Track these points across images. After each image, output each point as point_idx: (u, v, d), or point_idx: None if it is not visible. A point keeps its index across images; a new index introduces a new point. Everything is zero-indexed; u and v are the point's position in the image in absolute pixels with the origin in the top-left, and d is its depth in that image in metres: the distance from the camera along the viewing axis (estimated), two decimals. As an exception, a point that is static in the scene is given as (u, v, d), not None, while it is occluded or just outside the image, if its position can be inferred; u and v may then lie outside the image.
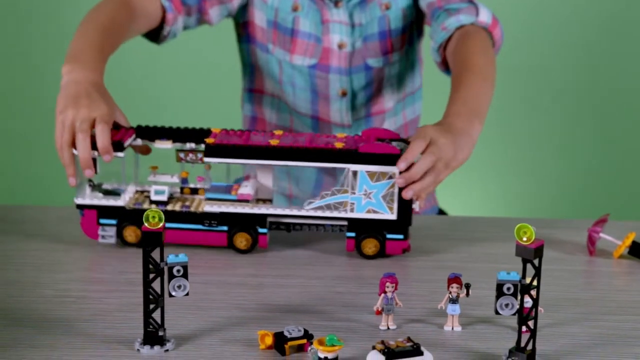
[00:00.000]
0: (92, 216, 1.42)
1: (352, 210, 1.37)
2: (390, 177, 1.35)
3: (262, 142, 1.37)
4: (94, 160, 1.36)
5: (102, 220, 1.42)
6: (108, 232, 1.42)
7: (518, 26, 3.05)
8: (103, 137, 1.34)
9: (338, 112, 1.75)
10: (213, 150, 1.37)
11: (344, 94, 1.73)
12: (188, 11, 1.68)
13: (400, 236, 1.39)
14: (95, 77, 1.42)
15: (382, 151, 1.35)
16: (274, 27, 1.71)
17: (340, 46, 1.70)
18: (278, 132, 1.42)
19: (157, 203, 1.41)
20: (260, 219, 1.39)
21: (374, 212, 1.38)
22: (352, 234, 1.39)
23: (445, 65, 1.66)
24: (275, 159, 1.36)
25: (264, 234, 1.39)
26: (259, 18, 1.73)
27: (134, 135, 1.41)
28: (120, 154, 1.36)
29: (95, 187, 1.43)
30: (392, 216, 1.37)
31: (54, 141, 1.38)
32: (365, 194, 1.37)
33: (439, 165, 1.35)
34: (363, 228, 1.39)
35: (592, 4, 3.06)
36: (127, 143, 1.38)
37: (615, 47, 3.07)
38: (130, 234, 1.41)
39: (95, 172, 1.37)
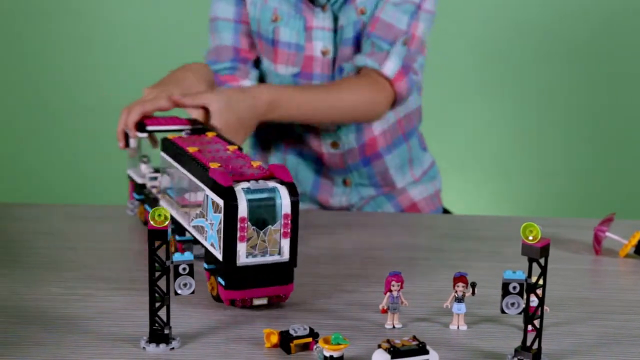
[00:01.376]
0: (132, 188, 1.55)
1: (205, 239, 1.20)
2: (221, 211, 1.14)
3: (185, 145, 1.30)
4: (126, 134, 1.52)
5: (134, 194, 1.53)
6: (133, 206, 1.56)
7: (521, 26, 3.05)
8: (130, 116, 1.48)
9: None
10: (165, 146, 1.35)
11: None
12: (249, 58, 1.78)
13: (222, 282, 1.17)
14: (200, 65, 1.67)
15: (217, 179, 1.14)
16: (259, 37, 1.73)
17: (324, 53, 1.70)
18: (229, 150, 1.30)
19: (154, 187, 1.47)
20: (180, 225, 1.32)
21: (213, 246, 1.18)
22: (206, 265, 1.21)
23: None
24: (179, 164, 1.29)
25: (178, 241, 1.33)
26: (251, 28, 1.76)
27: (181, 126, 1.47)
28: (140, 134, 1.49)
29: (149, 163, 1.53)
30: (220, 255, 1.16)
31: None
32: (211, 224, 1.18)
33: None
34: (210, 261, 1.20)
35: (595, 3, 3.05)
36: (155, 127, 1.48)
37: (619, 46, 3.07)
38: (140, 212, 1.53)
39: (127, 146, 1.52)
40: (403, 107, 1.80)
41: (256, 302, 1.18)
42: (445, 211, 1.92)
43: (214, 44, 1.76)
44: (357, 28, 1.69)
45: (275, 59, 1.72)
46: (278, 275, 1.17)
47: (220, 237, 1.14)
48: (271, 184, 1.15)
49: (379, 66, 1.66)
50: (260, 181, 1.15)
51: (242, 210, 1.12)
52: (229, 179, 1.13)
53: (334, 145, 1.77)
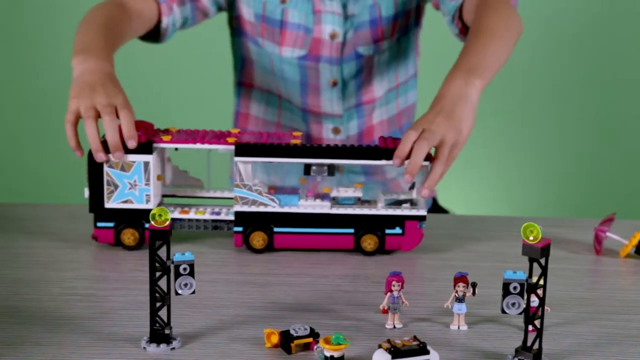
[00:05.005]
0: None
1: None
2: None
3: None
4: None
5: None
6: None
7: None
8: (130, 123, 1.36)
9: (329, 102, 1.75)
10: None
11: (334, 84, 1.74)
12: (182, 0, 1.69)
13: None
14: (108, 68, 1.44)
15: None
16: (262, 20, 1.71)
17: (333, 36, 1.70)
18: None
19: None
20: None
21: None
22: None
23: (465, 35, 1.62)
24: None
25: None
26: (246, 12, 1.73)
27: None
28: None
29: None
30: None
31: (64, 124, 1.45)
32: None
33: (443, 150, 1.33)
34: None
35: (593, 3, 3.05)
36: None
37: (618, 46, 3.07)
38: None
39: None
40: (403, 100, 1.82)
41: None
42: (439, 207, 1.93)
43: None
44: (373, 12, 1.69)
45: (282, 41, 1.71)
46: None
47: None
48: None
49: None
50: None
51: None
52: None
53: (336, 131, 1.78)
